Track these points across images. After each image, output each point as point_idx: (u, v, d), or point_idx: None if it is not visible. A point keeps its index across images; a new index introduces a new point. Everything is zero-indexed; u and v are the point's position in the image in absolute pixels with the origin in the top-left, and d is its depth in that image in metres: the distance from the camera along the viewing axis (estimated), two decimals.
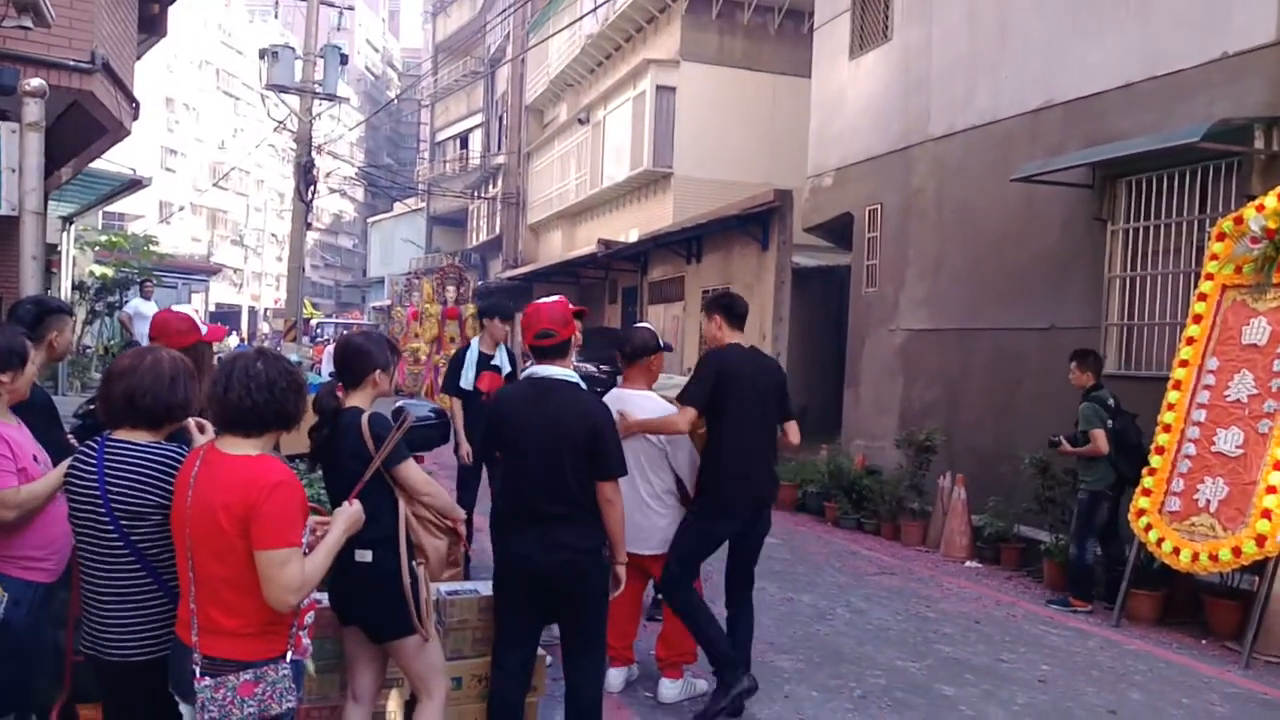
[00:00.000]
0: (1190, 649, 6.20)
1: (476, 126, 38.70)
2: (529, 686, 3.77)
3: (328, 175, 28.21)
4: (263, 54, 17.73)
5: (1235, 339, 6.47)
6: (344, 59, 18.06)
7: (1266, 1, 7.10)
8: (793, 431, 4.80)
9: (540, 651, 3.86)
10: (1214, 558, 5.94)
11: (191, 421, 2.92)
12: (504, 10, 28.44)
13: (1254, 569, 6.05)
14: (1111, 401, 7.02)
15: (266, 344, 27.95)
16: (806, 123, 13.83)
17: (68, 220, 15.14)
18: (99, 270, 18.54)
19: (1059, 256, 8.94)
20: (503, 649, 3.67)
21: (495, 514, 3.72)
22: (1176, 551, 6.17)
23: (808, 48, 14.65)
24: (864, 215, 11.98)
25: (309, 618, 2.70)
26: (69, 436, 3.56)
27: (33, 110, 5.26)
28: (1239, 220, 6.49)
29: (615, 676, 4.82)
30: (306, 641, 2.70)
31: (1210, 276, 6.73)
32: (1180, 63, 7.73)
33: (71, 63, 7.36)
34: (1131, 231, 8.37)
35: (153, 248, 20.37)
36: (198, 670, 2.44)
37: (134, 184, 13.86)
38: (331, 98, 18.09)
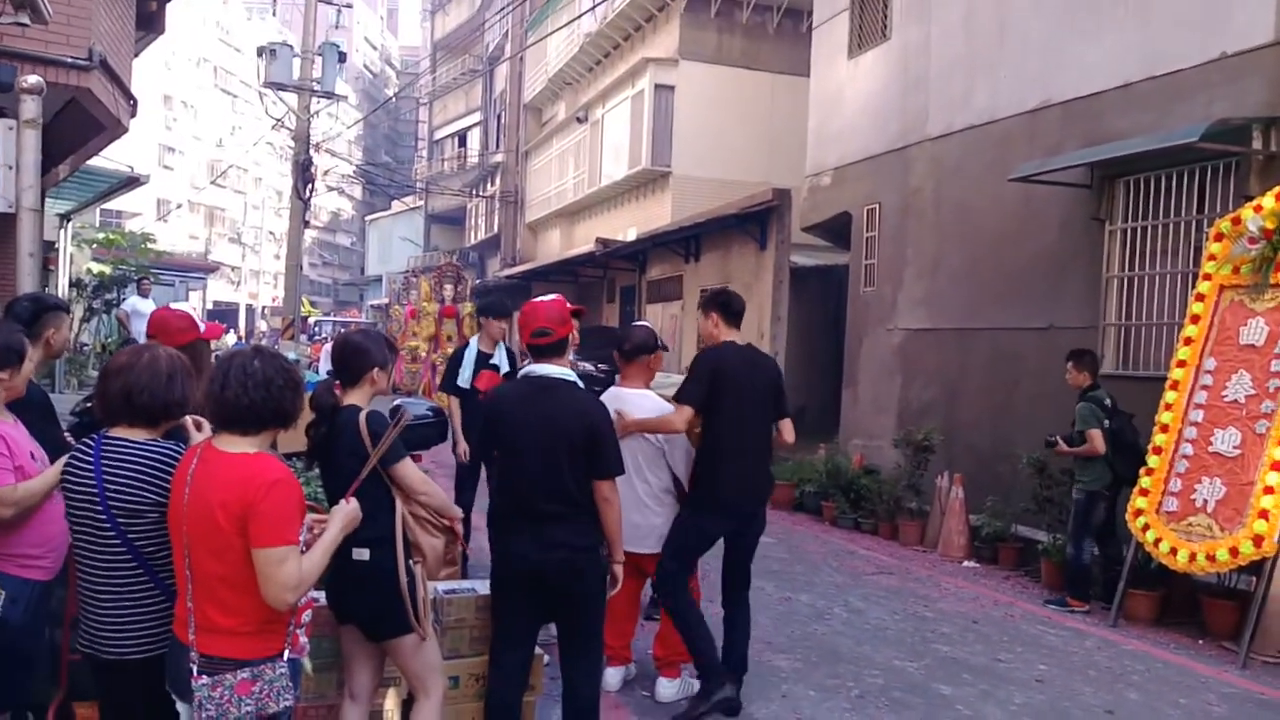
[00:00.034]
0: (1187, 649, 6.20)
1: (475, 125, 38.65)
2: (526, 685, 3.77)
3: (326, 173, 28.16)
4: (261, 51, 17.70)
5: (1233, 339, 6.47)
6: (342, 57, 18.03)
7: (1265, 2, 7.10)
8: (787, 430, 4.78)
9: (538, 650, 3.85)
10: (1211, 558, 5.94)
11: (189, 419, 2.91)
12: (502, 8, 28.43)
13: (1251, 569, 6.05)
14: (1108, 401, 7.03)
15: (264, 342, 27.95)
16: (805, 122, 13.83)
17: (65, 218, 15.12)
18: (96, 268, 18.50)
19: (1057, 256, 8.94)
20: (500, 648, 3.67)
21: (492, 513, 3.72)
22: (1174, 551, 6.18)
23: (806, 47, 14.65)
24: (862, 215, 11.98)
25: (306, 616, 2.69)
26: (66, 434, 3.55)
27: (30, 107, 5.24)
28: (1237, 221, 6.50)
29: (613, 676, 4.82)
30: (304, 640, 2.69)
31: (1208, 277, 6.73)
32: (1179, 63, 7.73)
33: (69, 60, 7.35)
34: (1129, 231, 8.37)
35: (150, 245, 20.30)
36: (195, 669, 2.43)
37: (131, 181, 13.84)
38: (330, 95, 18.06)
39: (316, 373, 15.64)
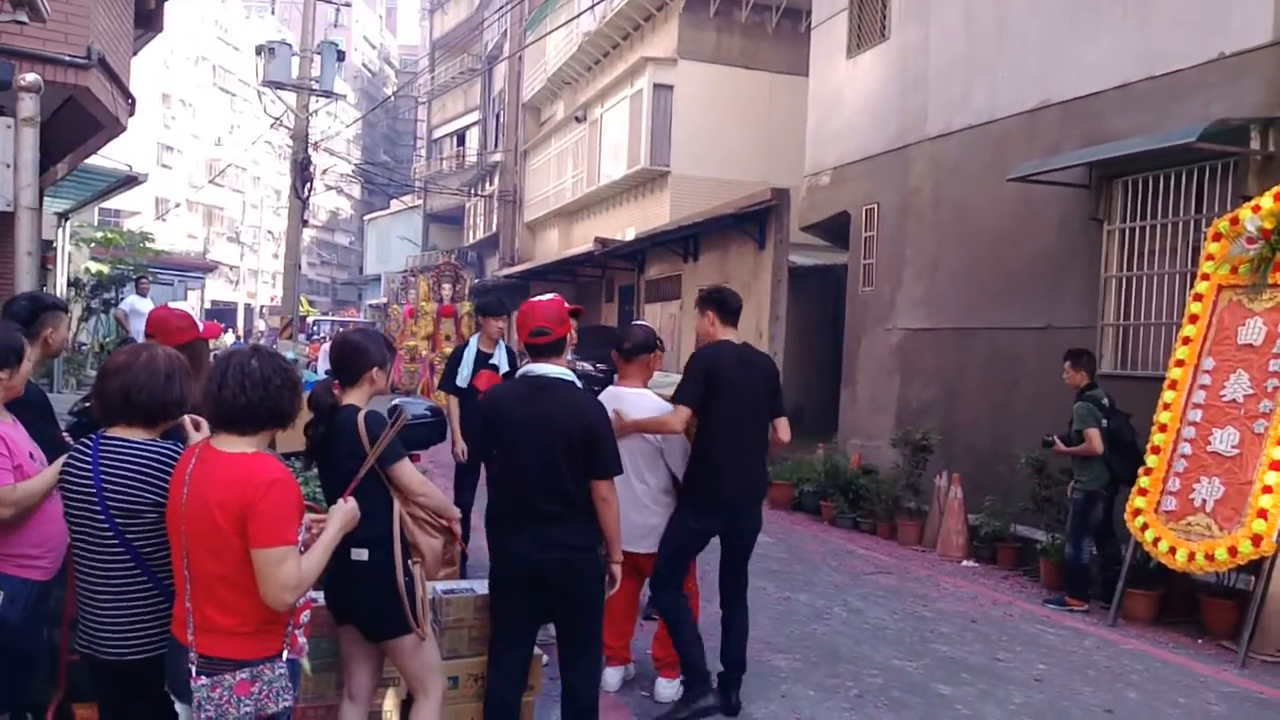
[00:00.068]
0: (1186, 648, 6.21)
1: (473, 124, 38.64)
2: (525, 686, 3.76)
3: (324, 172, 28.14)
4: (259, 50, 17.70)
5: (1231, 339, 6.48)
6: (341, 55, 18.02)
7: (1264, 2, 7.11)
8: (783, 429, 4.75)
9: (537, 650, 3.85)
10: (1210, 557, 5.94)
11: (187, 419, 2.91)
12: (501, 7, 28.41)
13: (1250, 568, 6.06)
14: (1106, 401, 7.03)
15: (263, 341, 27.93)
16: (804, 121, 13.83)
17: (63, 216, 15.11)
18: (95, 267, 18.47)
19: (1055, 256, 8.95)
20: (499, 648, 3.66)
21: (491, 513, 3.71)
22: (1173, 551, 6.18)
23: (805, 46, 14.65)
24: (861, 214, 11.99)
25: (305, 616, 2.69)
26: (64, 434, 3.55)
27: (28, 105, 5.22)
28: (1235, 221, 6.50)
29: (612, 676, 4.81)
30: (302, 640, 2.69)
31: (1206, 277, 6.73)
32: (1177, 63, 7.74)
33: (67, 58, 7.34)
34: (1128, 231, 8.38)
35: (149, 244, 20.25)
36: (194, 669, 2.43)
37: (130, 180, 13.83)
38: (328, 94, 18.05)
39: (315, 372, 15.65)
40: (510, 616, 3.64)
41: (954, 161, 10.38)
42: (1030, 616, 6.79)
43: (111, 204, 25.40)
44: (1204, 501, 6.20)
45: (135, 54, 10.73)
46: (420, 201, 43.91)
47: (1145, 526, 6.43)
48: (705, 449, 4.55)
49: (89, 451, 2.68)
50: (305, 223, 19.89)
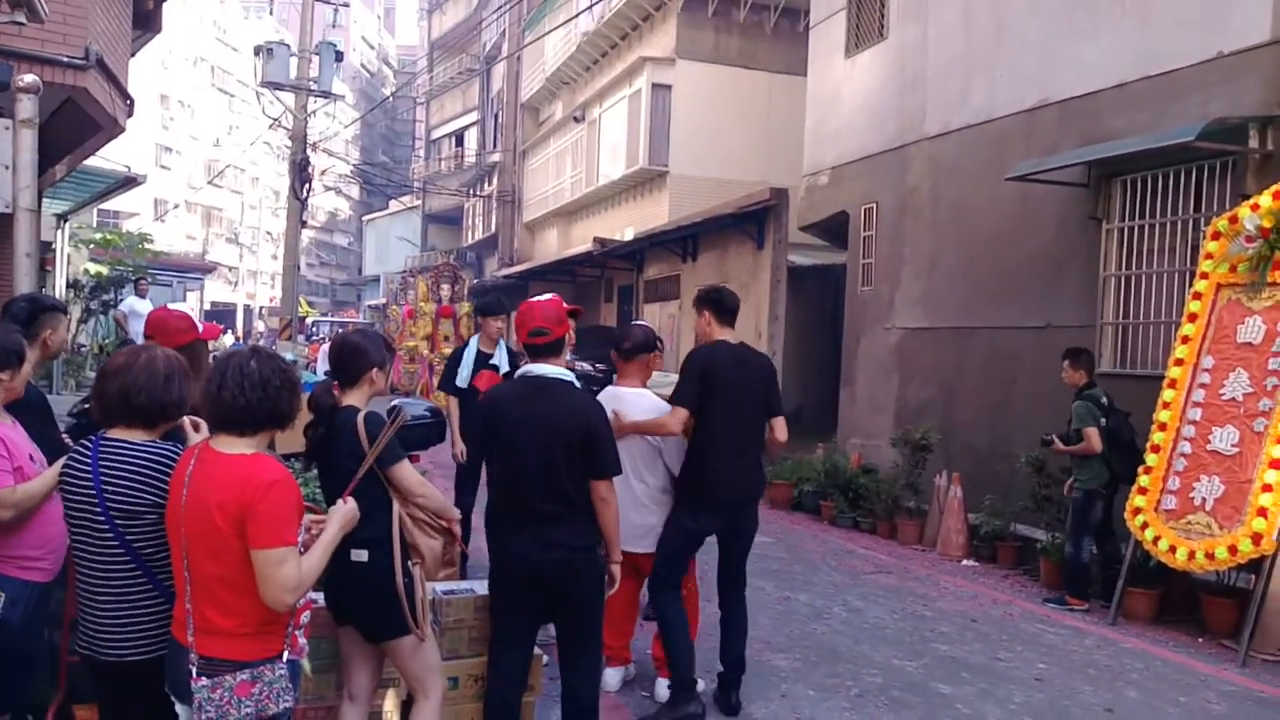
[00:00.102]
0: (1187, 647, 6.21)
1: (472, 124, 38.64)
2: (525, 686, 3.76)
3: (323, 173, 28.13)
4: (258, 51, 17.68)
5: (1230, 337, 6.48)
6: (339, 56, 18.01)
7: (1263, 1, 7.11)
8: (780, 429, 4.73)
9: (537, 651, 3.85)
10: (1210, 556, 5.94)
11: (187, 420, 2.91)
12: (500, 7, 28.40)
13: (1250, 567, 6.06)
14: (1105, 400, 7.03)
15: (262, 342, 27.93)
16: (802, 121, 13.83)
17: (62, 218, 15.09)
18: (94, 268, 18.46)
19: (1054, 255, 8.95)
20: (499, 649, 3.66)
21: (490, 513, 3.71)
22: (1173, 550, 6.18)
23: (803, 46, 14.65)
24: (859, 214, 11.99)
25: (305, 617, 2.69)
26: (64, 435, 3.54)
27: (26, 107, 5.22)
28: (1234, 219, 6.50)
29: (612, 676, 4.81)
30: (303, 641, 2.69)
31: (1205, 275, 6.74)
32: (1176, 62, 7.74)
33: (65, 59, 7.34)
34: (1127, 230, 8.38)
35: (147, 245, 20.24)
36: (194, 670, 2.43)
37: (129, 181, 13.81)
38: (327, 95, 18.04)
39: (314, 373, 15.64)
40: (510, 617, 3.64)
41: (952, 161, 10.38)
42: (1030, 616, 6.79)
43: (110, 205, 25.38)
44: (1204, 500, 6.21)
45: (133, 55, 10.73)
46: (419, 202, 43.91)
47: (1145, 525, 6.43)
48: (701, 449, 4.54)
49: (89, 453, 2.68)
50: (304, 223, 19.90)
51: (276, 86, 17.55)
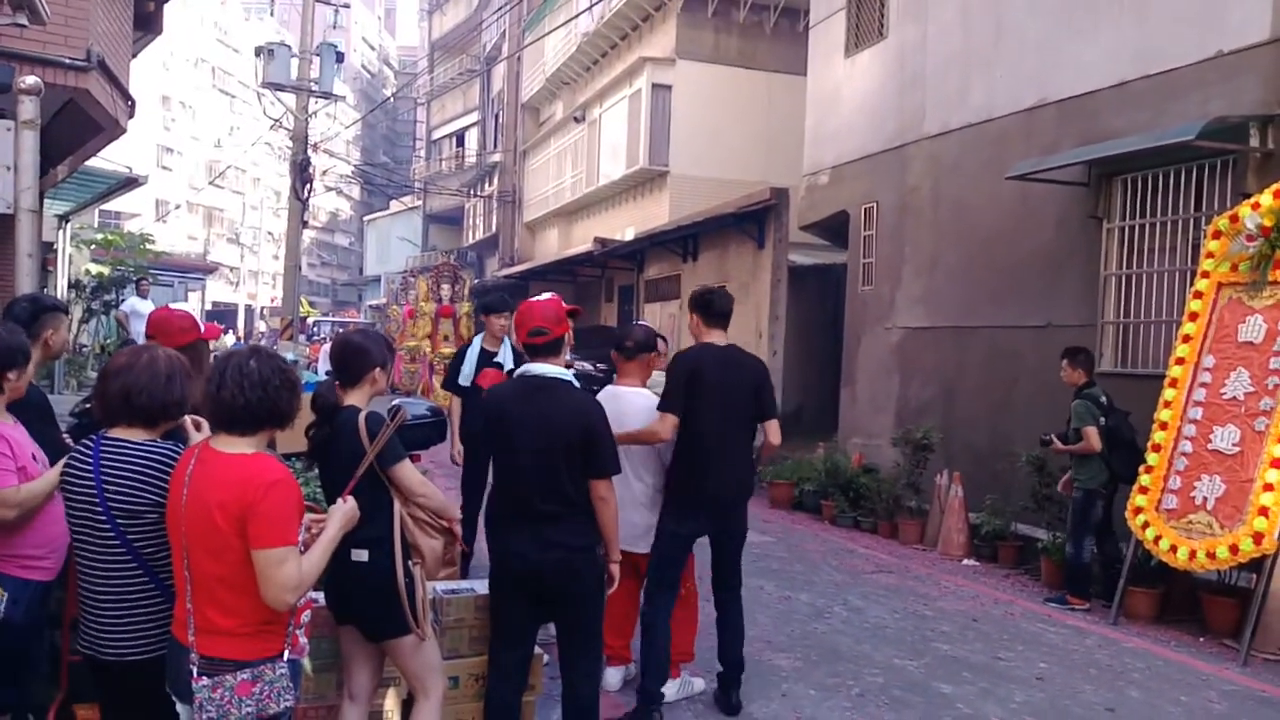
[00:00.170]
0: (1188, 646, 6.21)
1: (472, 124, 38.66)
2: (526, 685, 3.77)
3: (324, 173, 28.16)
4: (259, 52, 17.69)
5: (1231, 337, 6.48)
6: (340, 57, 18.02)
7: (1262, 0, 7.11)
8: (773, 431, 4.69)
9: (537, 650, 3.85)
10: (1211, 555, 5.94)
11: (188, 419, 2.91)
12: (500, 8, 28.42)
13: (1251, 566, 6.06)
14: (1104, 399, 7.02)
15: (263, 342, 27.92)
16: (802, 121, 13.83)
17: (64, 219, 15.10)
18: (95, 269, 18.48)
19: (1054, 254, 8.95)
20: (499, 648, 3.67)
21: (490, 513, 3.72)
22: (1174, 549, 6.18)
23: (803, 46, 14.65)
24: (860, 213, 11.99)
25: (305, 617, 2.69)
26: (65, 435, 3.55)
27: (28, 108, 5.22)
28: (1234, 218, 6.50)
29: (613, 675, 4.82)
30: (303, 640, 2.69)
31: (1206, 274, 6.73)
32: (1175, 61, 7.74)
33: (67, 60, 7.34)
34: (1127, 229, 8.38)
35: (149, 246, 20.25)
36: (195, 670, 2.43)
37: (130, 182, 13.82)
38: (327, 96, 18.05)
39: (315, 373, 15.65)
40: (510, 616, 3.64)
41: (952, 160, 10.38)
42: (1031, 615, 6.79)
43: (112, 206, 25.41)
44: (1205, 499, 6.21)
45: (135, 56, 10.74)
46: (420, 202, 43.95)
47: (1146, 524, 6.43)
48: (687, 451, 4.51)
49: (90, 452, 2.68)
50: (305, 224, 19.90)
51: (277, 87, 17.56)
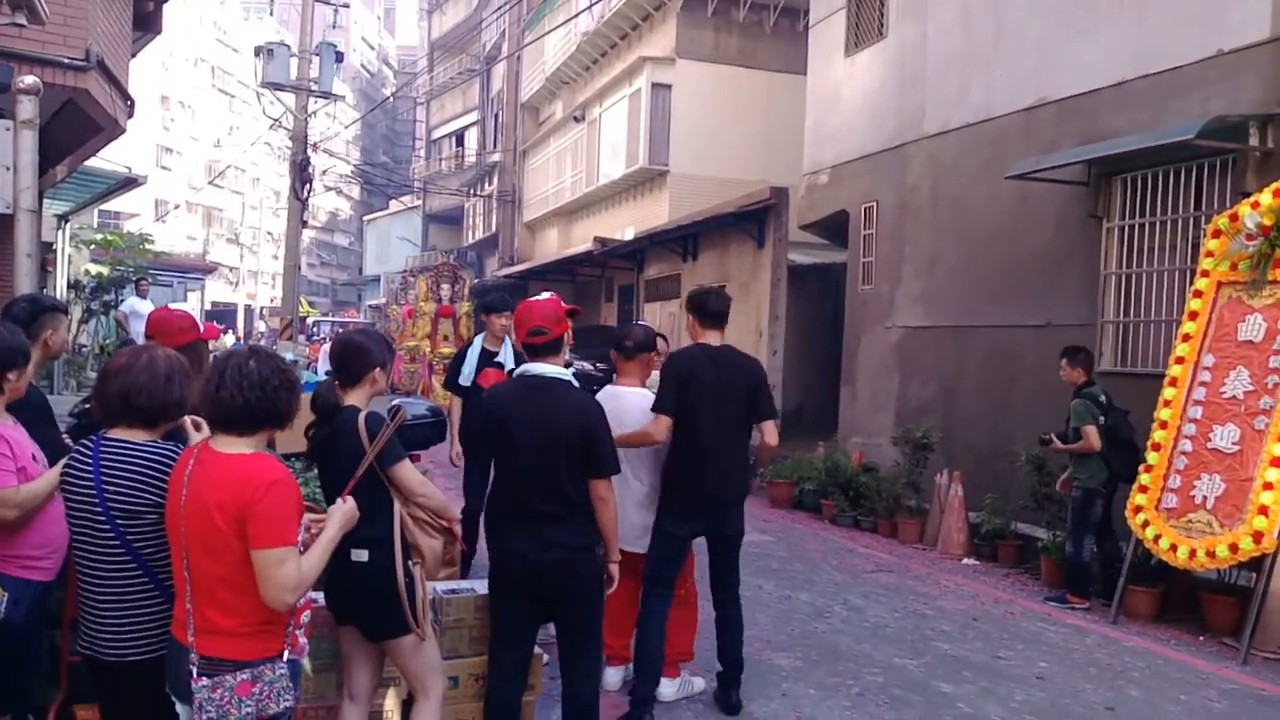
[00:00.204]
0: (1188, 645, 6.21)
1: (472, 124, 38.66)
2: (526, 685, 3.77)
3: (323, 173, 28.15)
4: (258, 52, 17.70)
5: (1231, 336, 6.48)
6: (339, 56, 18.03)
7: None
8: (769, 432, 4.66)
9: (537, 650, 3.85)
10: (1211, 554, 5.94)
11: (188, 420, 2.91)
12: (499, 7, 28.42)
13: (1251, 565, 6.06)
14: (1103, 398, 7.02)
15: (263, 342, 27.93)
16: (802, 120, 13.83)
17: (63, 219, 15.10)
18: (95, 269, 18.47)
19: (1054, 254, 8.95)
20: (499, 648, 3.67)
21: (490, 513, 3.72)
22: (1174, 548, 6.18)
23: (803, 45, 14.66)
24: (859, 213, 11.99)
25: (305, 617, 2.69)
26: (64, 436, 3.55)
27: (27, 108, 5.22)
28: (1234, 217, 6.50)
29: (613, 675, 4.81)
30: (303, 641, 2.69)
31: (1206, 273, 6.73)
32: (1175, 60, 7.74)
33: (66, 60, 7.34)
34: (1127, 229, 8.38)
35: (148, 246, 20.22)
36: (194, 670, 2.43)
37: (129, 182, 13.83)
38: (327, 95, 18.05)
39: (315, 373, 15.64)
40: (510, 616, 3.64)
41: (952, 159, 10.38)
42: (1031, 614, 6.79)
43: (111, 206, 25.40)
44: (1205, 498, 6.21)
45: (134, 56, 10.74)
46: (419, 202, 43.93)
47: (1146, 523, 6.43)
48: (682, 452, 4.51)
49: (90, 453, 2.68)
50: (304, 224, 19.91)
51: (277, 87, 17.56)
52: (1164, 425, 6.60)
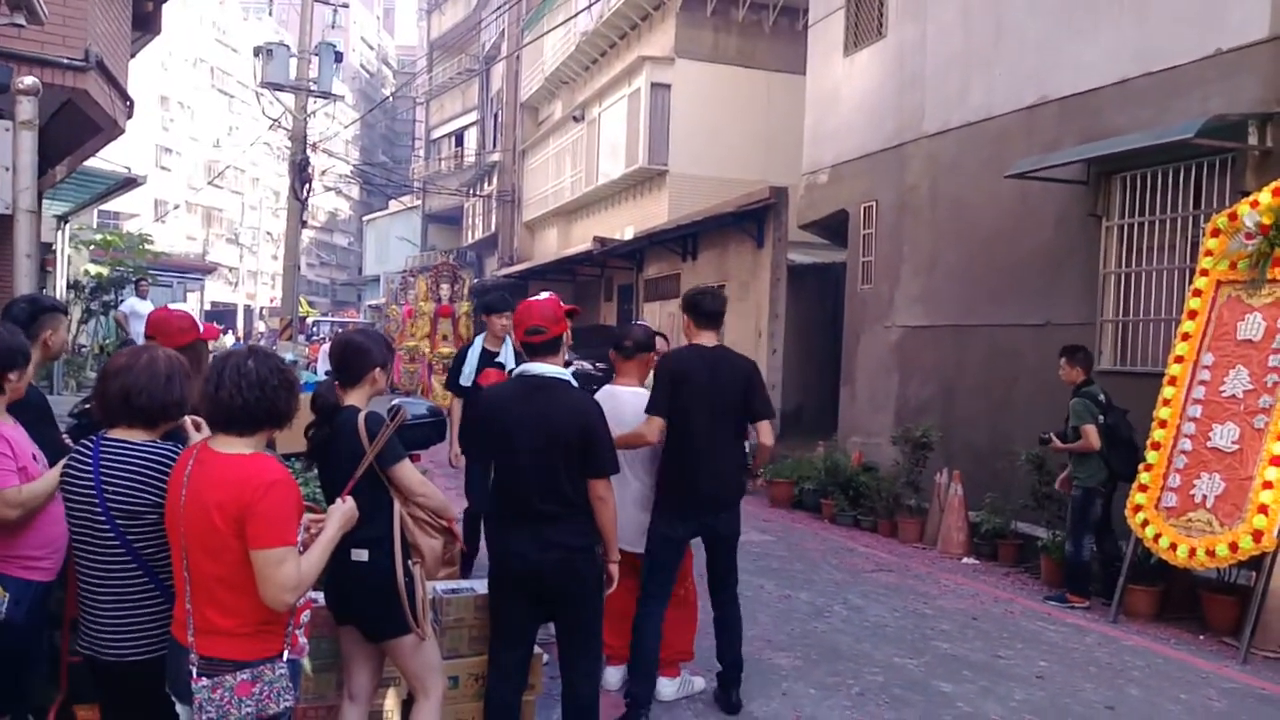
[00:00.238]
0: (1188, 644, 6.21)
1: (471, 124, 38.64)
2: (526, 685, 3.77)
3: (323, 173, 28.15)
4: (257, 52, 17.70)
5: (1230, 334, 6.48)
6: (339, 56, 18.03)
7: None
8: (765, 433, 4.63)
9: (537, 650, 3.86)
10: (1211, 553, 5.94)
11: (188, 420, 2.91)
12: (499, 7, 28.40)
13: (1251, 564, 6.06)
14: (1102, 397, 7.02)
15: (262, 342, 27.94)
16: (801, 120, 13.83)
17: (62, 219, 15.10)
18: (94, 269, 18.47)
19: (1054, 253, 8.95)
20: (499, 647, 3.67)
21: (489, 513, 3.72)
22: (1174, 547, 6.18)
23: (802, 45, 14.65)
24: (859, 212, 11.99)
25: (305, 617, 2.69)
26: (64, 436, 3.55)
27: (26, 108, 5.22)
28: (1234, 216, 6.50)
29: (613, 675, 4.81)
30: (303, 640, 2.69)
31: (1205, 272, 6.73)
32: (1175, 59, 7.74)
33: (65, 61, 7.34)
34: (1126, 227, 8.38)
35: (148, 246, 20.21)
36: (194, 670, 2.43)
37: (129, 182, 13.83)
38: (326, 95, 18.05)
39: (314, 373, 15.65)
40: (510, 616, 3.64)
41: (951, 159, 10.38)
42: (1031, 613, 6.79)
43: (110, 206, 25.39)
44: (1204, 497, 6.21)
45: (133, 56, 10.74)
46: (419, 202, 43.91)
47: (1146, 522, 6.43)
48: (675, 453, 4.50)
49: (90, 453, 2.68)
50: (304, 224, 19.91)
51: (276, 87, 17.56)
52: (1163, 424, 6.60)
